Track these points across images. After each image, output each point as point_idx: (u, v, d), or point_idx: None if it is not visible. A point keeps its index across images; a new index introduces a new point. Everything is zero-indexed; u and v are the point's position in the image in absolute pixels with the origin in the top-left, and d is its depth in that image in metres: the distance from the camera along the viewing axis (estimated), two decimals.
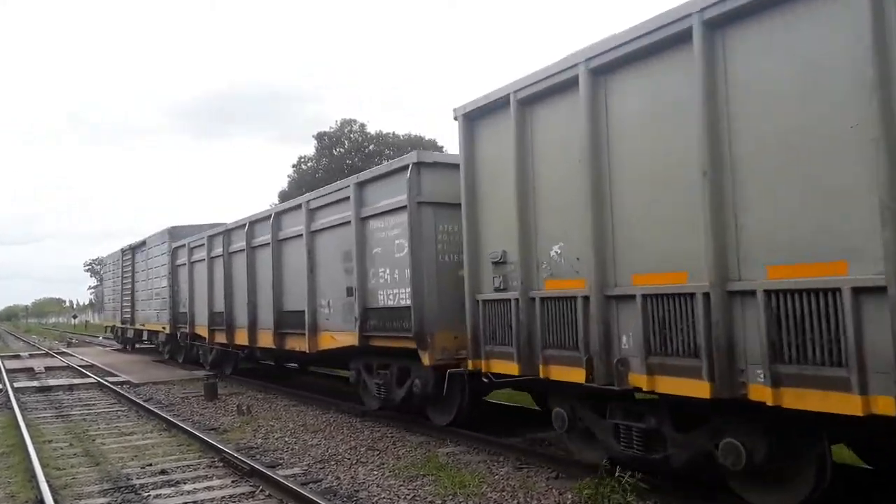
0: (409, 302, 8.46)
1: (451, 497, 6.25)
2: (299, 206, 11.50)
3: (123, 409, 12.55)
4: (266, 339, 12.92)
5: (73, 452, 8.81)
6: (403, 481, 6.84)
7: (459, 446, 8.28)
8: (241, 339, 14.11)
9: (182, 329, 18.44)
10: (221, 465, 7.75)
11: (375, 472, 7.26)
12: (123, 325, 26.22)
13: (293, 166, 49.35)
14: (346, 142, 48.01)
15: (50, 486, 6.79)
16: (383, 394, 9.63)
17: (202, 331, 16.59)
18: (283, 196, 40.41)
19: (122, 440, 9.55)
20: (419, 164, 8.52)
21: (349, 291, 9.79)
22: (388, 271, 8.97)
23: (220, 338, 15.48)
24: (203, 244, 16.12)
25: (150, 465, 7.93)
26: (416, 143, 44.52)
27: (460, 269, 7.85)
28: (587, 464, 6.56)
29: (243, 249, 13.80)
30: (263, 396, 13.33)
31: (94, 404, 13.19)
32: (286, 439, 9.18)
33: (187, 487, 6.95)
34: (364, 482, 6.89)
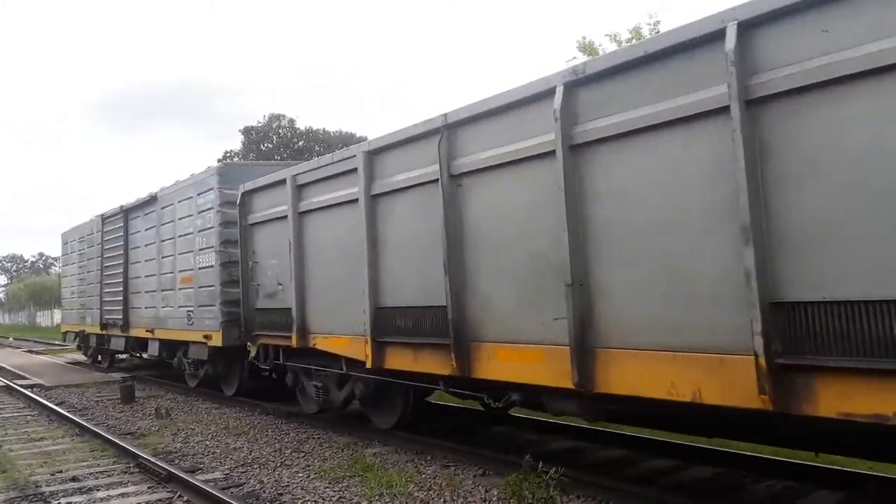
0: None
1: (377, 497, 6.20)
2: None
3: (33, 413, 11.95)
4: (718, 389, 4.44)
5: None
6: (329, 483, 6.74)
7: (387, 446, 8.22)
8: (528, 371, 5.87)
9: (272, 338, 9.81)
10: (137, 470, 7.47)
11: (300, 475, 7.12)
12: (103, 333, 16.95)
13: (218, 160, 48.25)
14: (274, 137, 47.25)
15: None
16: None
17: (338, 343, 8.33)
18: None
19: (32, 446, 9.07)
20: None
21: None
22: None
23: (416, 362, 7.09)
24: (345, 171, 8.08)
25: (61, 471, 7.56)
26: (348, 139, 44.13)
27: None
28: (512, 461, 6.52)
29: (544, 153, 5.60)
30: (184, 399, 12.90)
31: (0, 409, 12.50)
32: (207, 443, 8.91)
33: (100, 494, 6.65)
34: (288, 485, 6.76)
